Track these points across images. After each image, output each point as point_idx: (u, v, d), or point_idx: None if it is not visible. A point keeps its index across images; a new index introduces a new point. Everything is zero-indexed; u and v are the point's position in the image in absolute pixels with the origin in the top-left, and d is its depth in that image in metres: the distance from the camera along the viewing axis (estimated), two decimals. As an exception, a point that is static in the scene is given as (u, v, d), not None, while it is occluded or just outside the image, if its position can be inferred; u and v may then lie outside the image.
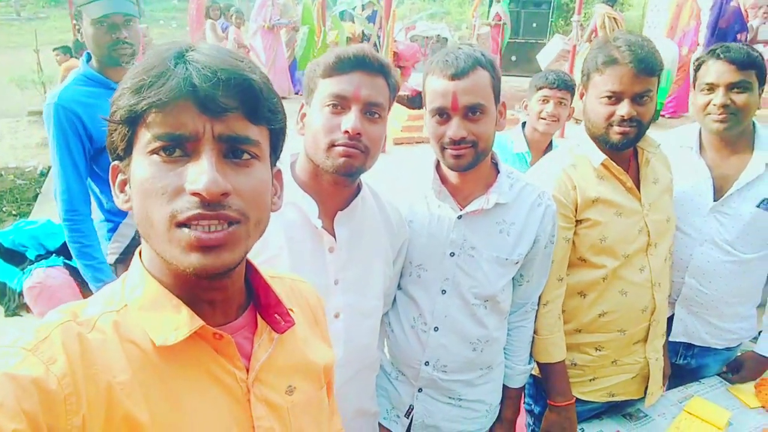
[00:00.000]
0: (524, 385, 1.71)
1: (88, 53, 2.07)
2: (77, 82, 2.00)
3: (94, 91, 1.98)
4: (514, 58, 10.96)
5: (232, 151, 0.68)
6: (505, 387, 1.66)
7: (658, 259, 1.67)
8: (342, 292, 1.30)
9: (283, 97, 8.27)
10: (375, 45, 6.72)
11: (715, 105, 1.74)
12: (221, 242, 0.66)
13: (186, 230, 0.65)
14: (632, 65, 1.47)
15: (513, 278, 1.56)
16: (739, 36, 7.54)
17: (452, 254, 1.47)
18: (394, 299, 1.57)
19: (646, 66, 1.48)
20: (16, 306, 3.30)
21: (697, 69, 1.82)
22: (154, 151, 0.66)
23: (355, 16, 7.29)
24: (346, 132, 1.17)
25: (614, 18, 7.43)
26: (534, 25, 11.05)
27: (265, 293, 0.83)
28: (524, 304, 1.61)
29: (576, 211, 1.61)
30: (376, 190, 1.43)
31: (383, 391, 1.62)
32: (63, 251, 3.39)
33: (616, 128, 1.53)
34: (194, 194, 0.64)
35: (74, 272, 3.32)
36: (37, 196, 5.35)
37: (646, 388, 1.78)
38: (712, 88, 1.75)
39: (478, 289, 1.48)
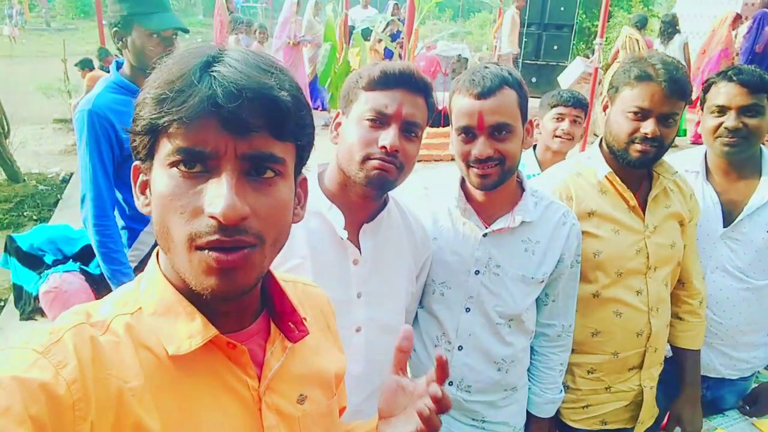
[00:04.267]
0: (552, 417, 1.65)
1: (118, 61, 2.09)
2: (109, 89, 2.01)
3: (125, 99, 1.99)
4: (534, 79, 10.93)
5: (255, 168, 0.66)
6: (531, 414, 1.62)
7: (656, 284, 1.64)
8: (364, 305, 1.27)
9: (303, 113, 8.30)
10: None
11: (726, 128, 1.70)
12: (238, 264, 0.65)
13: (205, 252, 0.64)
14: (665, 85, 1.45)
15: (538, 298, 1.53)
16: None
17: (477, 272, 1.44)
18: (416, 317, 1.54)
19: (679, 88, 1.46)
20: (32, 310, 3.32)
21: (706, 90, 1.79)
22: (173, 164, 0.64)
23: (377, 34, 7.36)
24: (383, 147, 1.16)
25: (636, 39, 7.43)
26: (555, 47, 11.02)
27: (279, 300, 0.82)
28: (550, 325, 1.57)
29: None
30: (402, 204, 1.41)
31: None
32: (80, 257, 3.41)
33: (638, 145, 1.51)
34: (212, 217, 0.63)
35: (90, 278, 3.34)
36: (57, 201, 5.41)
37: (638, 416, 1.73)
38: (722, 110, 1.72)
39: (502, 308, 1.45)
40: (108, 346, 0.65)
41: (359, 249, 1.26)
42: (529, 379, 1.61)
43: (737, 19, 7.60)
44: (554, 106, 2.41)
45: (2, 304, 3.68)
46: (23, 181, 5.90)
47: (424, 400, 0.80)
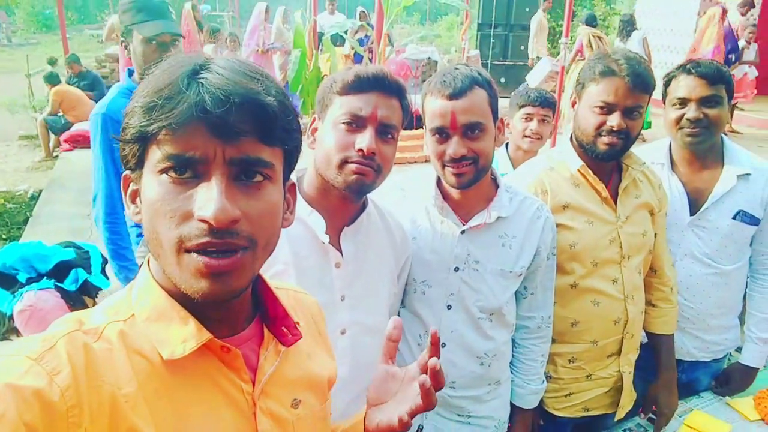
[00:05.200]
0: (536, 407, 1.69)
1: (130, 69, 2.25)
2: (122, 95, 2.16)
3: None
4: (503, 80, 11.11)
5: (244, 172, 0.67)
6: (515, 406, 1.65)
7: (630, 272, 1.69)
8: (348, 308, 1.28)
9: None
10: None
11: (688, 119, 1.77)
12: (229, 269, 0.65)
13: (194, 255, 0.64)
14: (628, 79, 1.51)
15: (517, 291, 1.56)
16: (730, 56, 7.71)
17: (457, 269, 1.47)
18: (398, 317, 1.56)
19: (642, 82, 1.52)
20: (6, 330, 3.23)
21: (667, 84, 1.86)
22: (163, 171, 0.65)
23: (346, 39, 7.39)
24: (360, 150, 1.18)
25: (599, 37, 7.60)
26: (522, 47, 11.20)
27: (272, 305, 0.82)
28: (530, 318, 1.61)
29: None
30: (381, 206, 1.43)
31: None
32: (54, 273, 3.35)
33: (605, 138, 1.56)
34: (202, 221, 0.63)
35: (65, 294, 3.28)
36: (27, 219, 5.29)
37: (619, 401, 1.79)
38: (683, 102, 1.78)
39: (483, 303, 1.49)
40: (101, 353, 0.65)
41: (341, 252, 1.28)
42: (511, 372, 1.64)
43: (725, 13, 7.77)
44: (522, 106, 2.45)
45: (-26, 326, 3.57)
46: (-10, 199, 5.77)
47: (421, 378, 0.80)
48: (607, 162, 1.64)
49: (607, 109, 1.55)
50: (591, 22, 7.87)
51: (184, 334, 0.69)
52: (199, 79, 0.65)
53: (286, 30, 8.71)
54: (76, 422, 0.59)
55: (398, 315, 1.56)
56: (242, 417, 0.74)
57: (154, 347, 0.68)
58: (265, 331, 0.81)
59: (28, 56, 9.25)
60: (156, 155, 0.65)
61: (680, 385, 1.99)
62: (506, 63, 11.35)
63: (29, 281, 3.25)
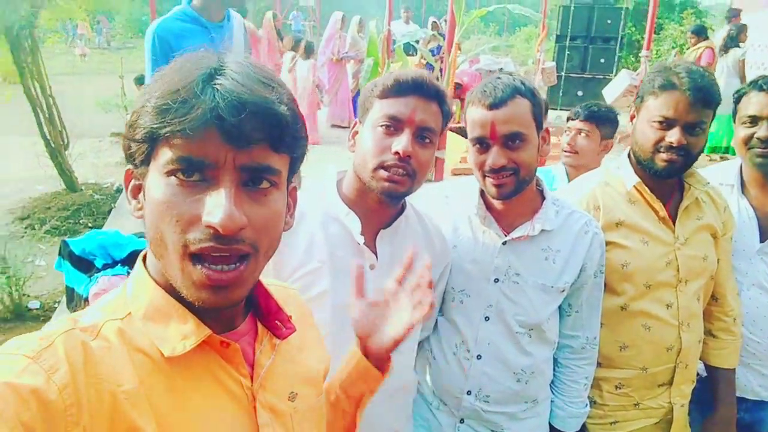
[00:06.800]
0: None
1: None
2: (175, 17, 2.39)
3: (188, 27, 2.39)
4: (580, 93, 10.77)
5: (252, 179, 0.68)
6: (554, 428, 1.59)
7: (687, 297, 1.59)
8: None
9: (344, 127, 8.49)
10: (437, 78, 6.79)
11: (758, 138, 1.66)
12: (231, 282, 0.67)
13: (198, 267, 0.65)
14: (689, 93, 1.43)
15: (560, 308, 1.52)
16: None
17: (496, 280, 1.45)
18: (436, 325, 1.56)
19: (704, 96, 1.44)
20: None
21: (737, 101, 1.75)
22: (171, 172, 0.65)
23: (418, 48, 7.44)
24: (397, 153, 1.19)
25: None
26: (602, 60, 10.85)
27: (265, 300, 0.84)
28: (574, 337, 1.55)
29: None
30: (422, 212, 1.43)
31: (424, 421, 1.59)
32: (128, 261, 3.58)
33: (663, 155, 1.49)
34: (209, 227, 0.64)
35: (136, 282, 3.50)
36: (110, 210, 5.67)
37: None
38: (754, 120, 1.68)
39: (522, 317, 1.45)
40: (99, 351, 0.65)
41: (376, 255, 1.29)
42: (552, 392, 1.59)
43: None
44: (569, 120, 2.44)
45: (56, 305, 3.88)
46: (80, 190, 6.21)
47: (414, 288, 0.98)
48: (665, 179, 1.56)
49: (667, 124, 1.48)
50: (700, 33, 7.34)
51: (184, 331, 0.70)
52: (215, 84, 0.65)
53: (360, 39, 8.88)
54: (74, 420, 0.60)
55: (435, 323, 1.55)
56: (242, 411, 0.76)
57: (153, 344, 0.69)
58: (259, 325, 0.82)
59: (123, 59, 9.93)
60: (165, 156, 0.65)
61: (743, 425, 1.85)
62: (584, 76, 10.98)
63: (105, 267, 3.48)
